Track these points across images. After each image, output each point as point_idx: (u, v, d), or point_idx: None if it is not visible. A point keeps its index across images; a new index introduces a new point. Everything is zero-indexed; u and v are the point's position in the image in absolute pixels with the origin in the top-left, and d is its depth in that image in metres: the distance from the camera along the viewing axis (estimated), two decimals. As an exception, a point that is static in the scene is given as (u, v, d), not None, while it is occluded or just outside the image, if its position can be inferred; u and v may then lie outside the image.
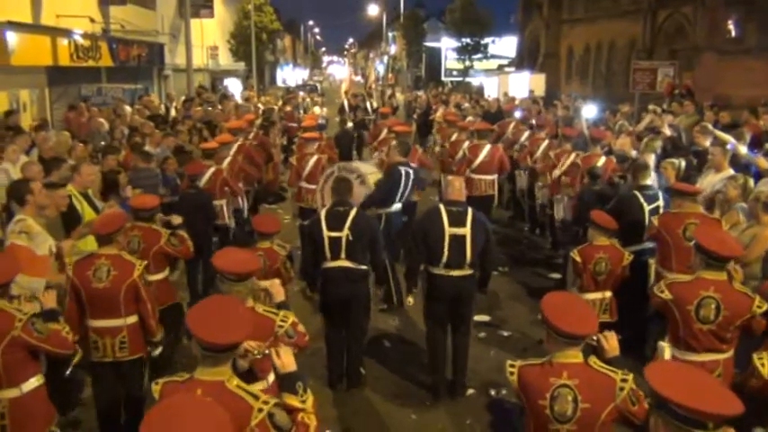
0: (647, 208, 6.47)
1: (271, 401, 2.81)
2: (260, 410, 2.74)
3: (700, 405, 2.27)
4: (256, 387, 3.21)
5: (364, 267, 5.83)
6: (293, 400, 2.93)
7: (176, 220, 6.12)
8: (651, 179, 6.95)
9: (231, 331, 2.80)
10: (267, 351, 3.16)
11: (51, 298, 4.21)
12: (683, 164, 8.23)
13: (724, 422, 2.31)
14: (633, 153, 8.77)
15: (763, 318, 4.21)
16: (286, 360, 3.08)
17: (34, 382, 3.94)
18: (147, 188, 7.55)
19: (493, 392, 5.96)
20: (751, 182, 6.43)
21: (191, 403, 2.34)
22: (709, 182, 6.90)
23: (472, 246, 5.56)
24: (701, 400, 2.29)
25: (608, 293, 5.98)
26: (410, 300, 6.11)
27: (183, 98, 19.57)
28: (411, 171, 7.83)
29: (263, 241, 5.71)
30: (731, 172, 6.83)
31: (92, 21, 19.67)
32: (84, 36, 18.69)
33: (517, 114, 13.93)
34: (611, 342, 3.38)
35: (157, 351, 5.15)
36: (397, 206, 7.79)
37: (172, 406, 2.31)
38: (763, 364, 3.62)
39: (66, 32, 17.71)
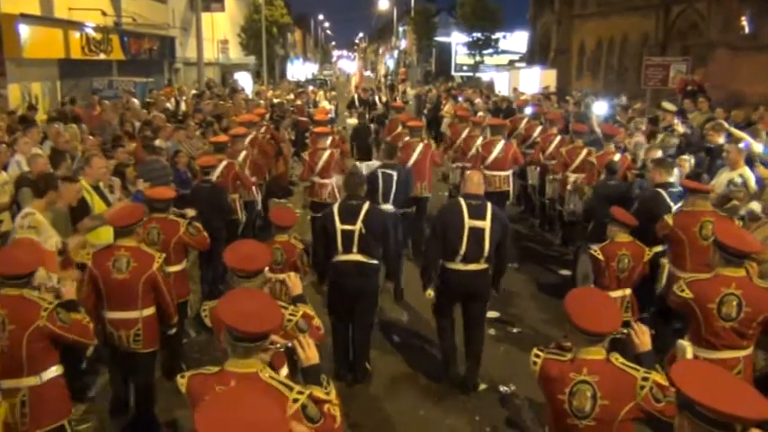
0: (674, 208, 6.23)
1: (305, 392, 2.81)
2: (295, 401, 2.74)
3: (727, 407, 2.20)
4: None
5: (376, 262, 5.82)
6: (319, 392, 2.94)
7: (190, 212, 6.13)
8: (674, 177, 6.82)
9: (264, 320, 2.83)
10: (290, 344, 3.14)
11: (71, 289, 4.24)
12: (693, 160, 8.17)
13: (753, 425, 2.23)
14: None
15: None
16: (310, 353, 3.08)
17: (54, 371, 3.99)
18: (158, 180, 7.55)
19: (502, 389, 5.93)
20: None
21: (245, 391, 2.35)
22: (724, 179, 6.83)
23: (490, 239, 5.57)
24: (729, 402, 2.21)
25: (628, 291, 5.89)
26: (430, 293, 5.99)
27: (193, 92, 19.62)
28: (394, 173, 7.74)
29: (280, 234, 5.70)
30: (747, 170, 6.76)
31: (103, 14, 19.75)
32: (96, 29, 18.77)
33: (528, 110, 13.84)
34: (643, 337, 3.33)
35: (173, 330, 5.27)
36: (386, 207, 7.51)
37: (227, 393, 2.36)
38: None
39: (79, 25, 17.80)
